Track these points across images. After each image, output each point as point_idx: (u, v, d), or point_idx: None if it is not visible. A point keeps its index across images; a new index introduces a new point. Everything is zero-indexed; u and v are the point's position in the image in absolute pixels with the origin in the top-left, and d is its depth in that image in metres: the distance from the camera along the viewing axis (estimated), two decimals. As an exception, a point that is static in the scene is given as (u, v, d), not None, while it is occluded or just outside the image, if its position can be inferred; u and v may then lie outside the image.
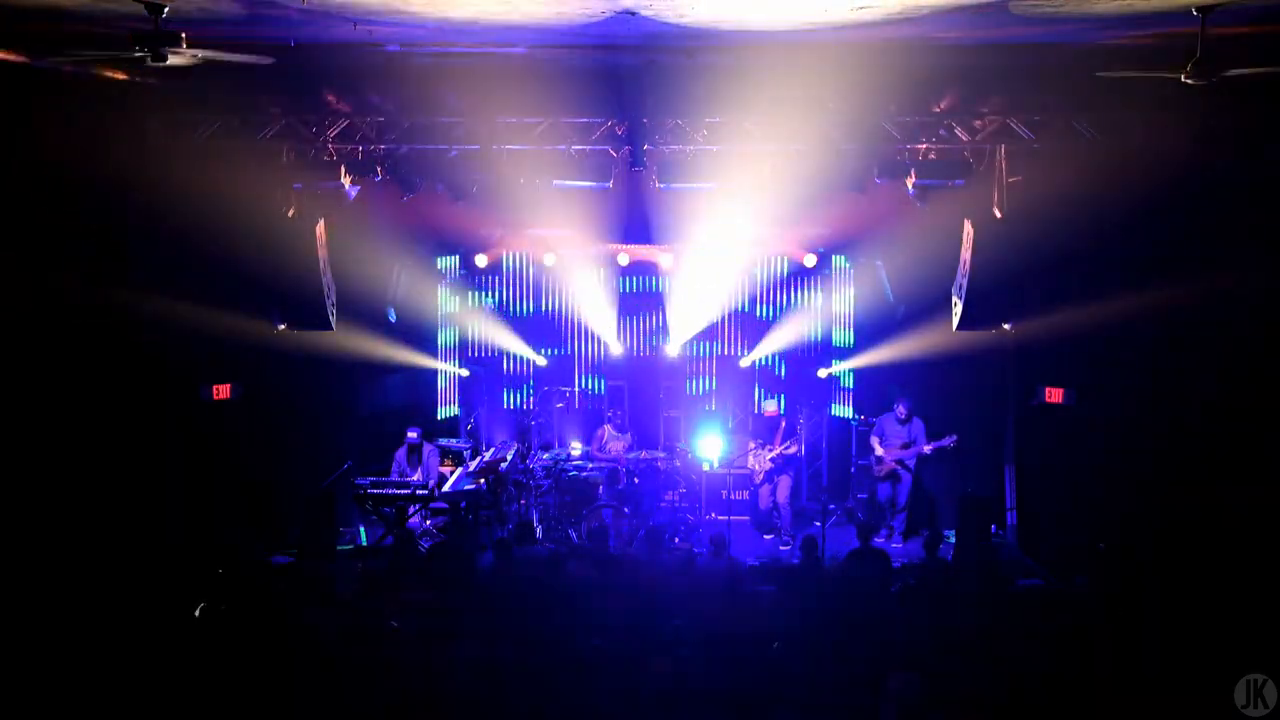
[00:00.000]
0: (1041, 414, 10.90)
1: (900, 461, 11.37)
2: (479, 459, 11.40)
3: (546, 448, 12.51)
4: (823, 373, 13.27)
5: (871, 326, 12.71)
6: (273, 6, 6.84)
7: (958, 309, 10.23)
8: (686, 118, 9.94)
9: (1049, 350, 10.52)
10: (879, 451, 11.51)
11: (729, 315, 13.47)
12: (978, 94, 9.74)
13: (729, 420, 13.13)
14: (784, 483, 11.59)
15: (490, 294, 13.56)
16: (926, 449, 11.24)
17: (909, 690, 5.54)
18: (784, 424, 11.84)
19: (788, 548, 11.13)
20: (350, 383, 12.12)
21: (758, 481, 11.75)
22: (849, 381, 13.22)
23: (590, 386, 13.62)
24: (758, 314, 13.51)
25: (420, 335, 12.91)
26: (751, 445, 11.84)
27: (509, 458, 11.48)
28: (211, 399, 10.39)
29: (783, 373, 13.49)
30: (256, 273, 10.09)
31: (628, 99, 9.71)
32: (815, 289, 13.36)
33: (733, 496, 11.97)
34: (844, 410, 13.17)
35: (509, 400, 13.62)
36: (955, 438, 11.07)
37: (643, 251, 13.13)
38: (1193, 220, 9.31)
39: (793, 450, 11.65)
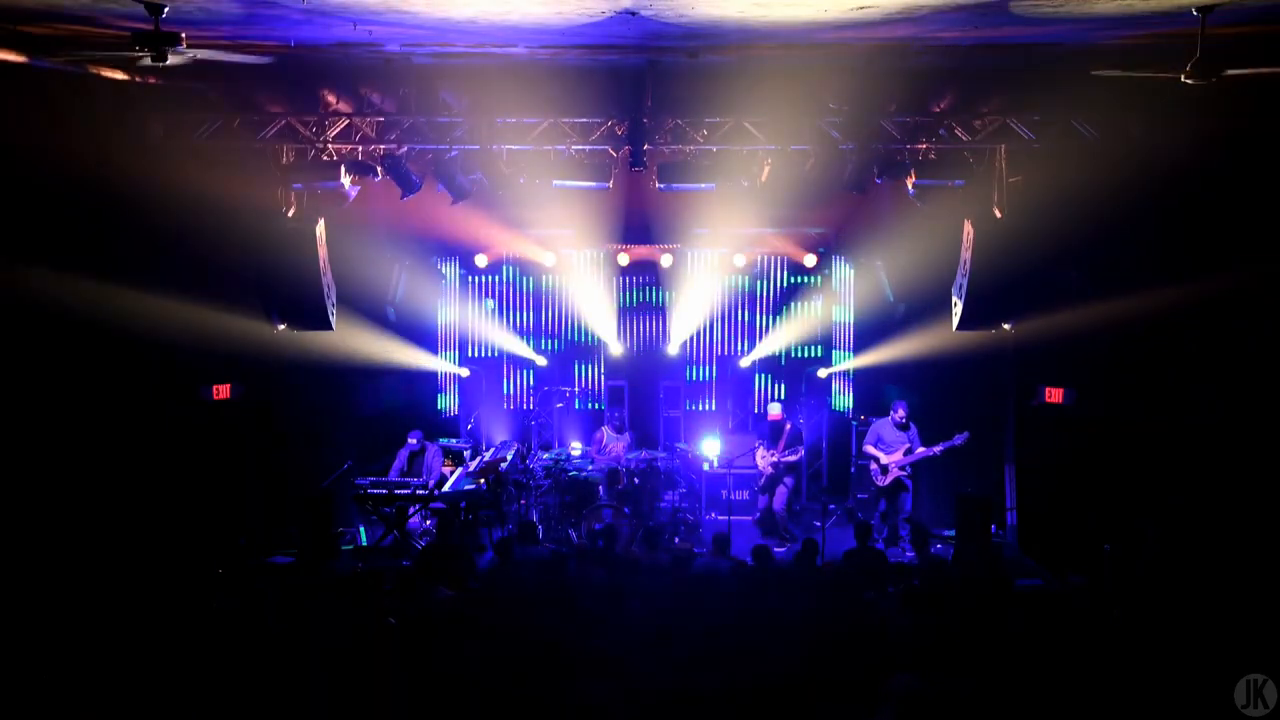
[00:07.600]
0: (1041, 414, 10.89)
1: (903, 468, 11.11)
2: (479, 459, 11.39)
3: (546, 448, 12.50)
4: (823, 372, 13.29)
5: (871, 326, 12.73)
6: (273, 6, 6.83)
7: (958, 309, 10.23)
8: (687, 118, 9.94)
9: (1049, 350, 10.51)
10: (884, 460, 11.11)
11: (729, 315, 13.48)
12: (978, 94, 9.74)
13: (729, 420, 13.11)
14: (781, 493, 11.46)
15: (490, 294, 13.57)
16: (938, 450, 10.90)
17: (909, 691, 5.52)
18: (788, 427, 11.65)
19: (783, 549, 11.09)
20: (350, 383, 12.11)
21: (762, 483, 11.67)
22: (849, 381, 13.23)
23: (590, 386, 13.62)
24: (757, 313, 13.51)
25: (420, 335, 12.92)
26: (757, 443, 11.85)
27: (509, 458, 11.46)
28: (211, 399, 10.39)
29: (782, 373, 13.48)
30: (256, 273, 10.10)
31: (628, 99, 9.72)
32: (815, 289, 13.37)
33: (733, 496, 11.96)
34: (844, 410, 13.17)
35: (509, 400, 13.63)
36: (966, 434, 10.75)
37: (643, 251, 13.15)
38: (1193, 220, 9.30)
39: (793, 458, 11.52)
